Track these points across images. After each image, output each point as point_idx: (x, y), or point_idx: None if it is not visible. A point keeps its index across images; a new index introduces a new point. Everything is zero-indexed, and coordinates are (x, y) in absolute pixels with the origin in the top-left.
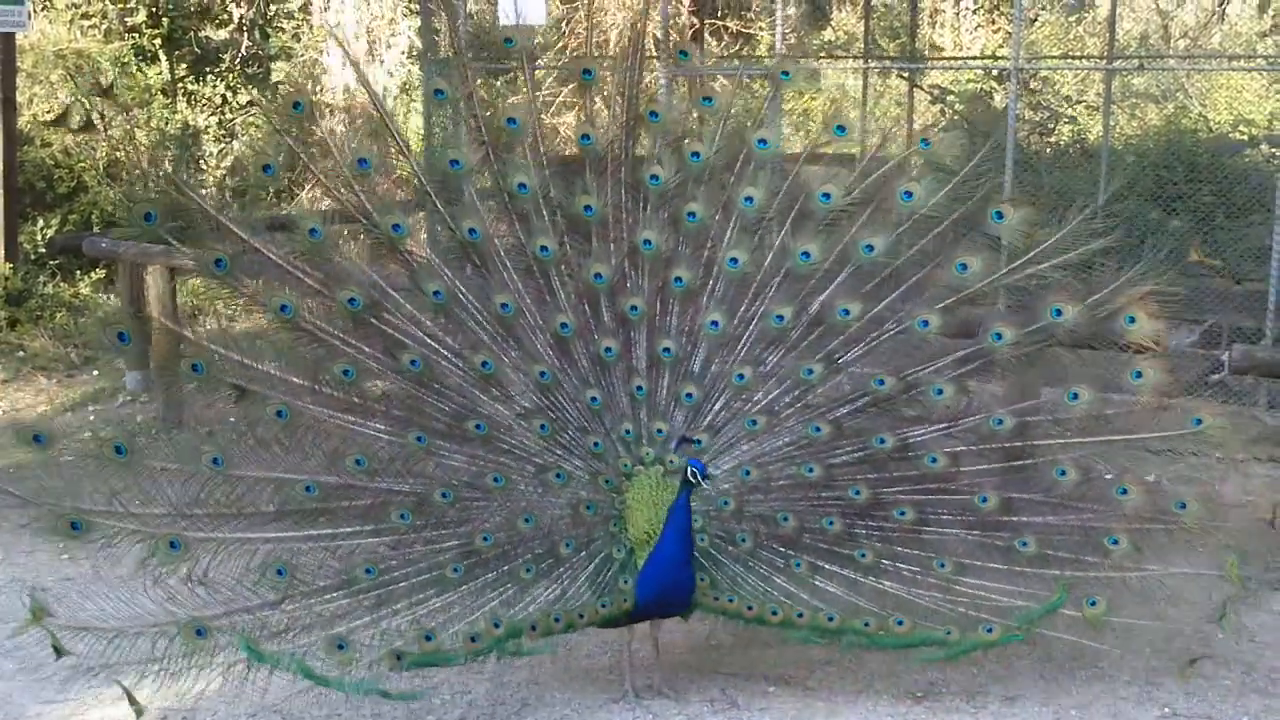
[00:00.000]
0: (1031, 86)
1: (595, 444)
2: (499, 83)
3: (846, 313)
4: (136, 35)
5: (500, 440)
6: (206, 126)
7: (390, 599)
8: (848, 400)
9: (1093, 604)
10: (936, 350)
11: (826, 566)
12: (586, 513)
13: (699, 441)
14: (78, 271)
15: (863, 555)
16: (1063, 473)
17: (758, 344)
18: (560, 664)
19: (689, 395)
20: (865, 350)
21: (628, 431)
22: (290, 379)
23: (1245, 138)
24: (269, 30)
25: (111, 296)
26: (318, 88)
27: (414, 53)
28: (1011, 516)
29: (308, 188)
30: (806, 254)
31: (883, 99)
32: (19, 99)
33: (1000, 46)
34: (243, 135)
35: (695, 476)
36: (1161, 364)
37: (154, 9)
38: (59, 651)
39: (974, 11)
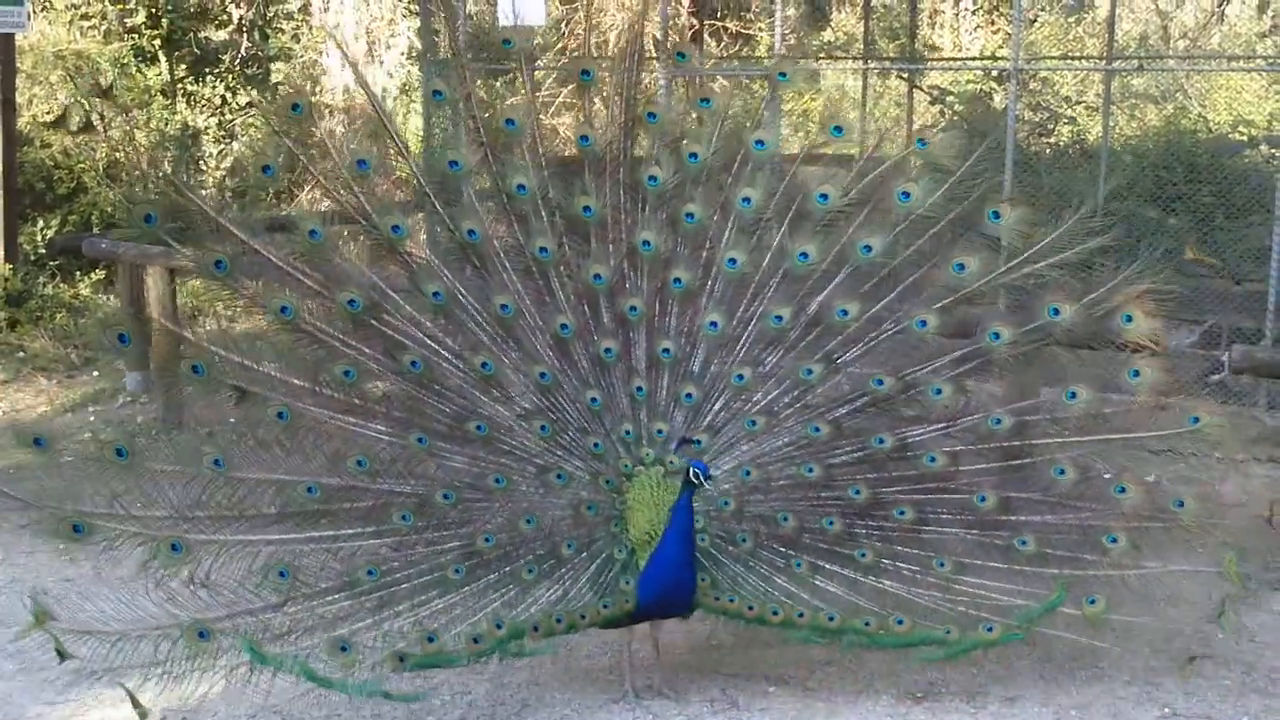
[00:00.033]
0: (1031, 87)
1: (596, 445)
2: (498, 83)
3: (845, 313)
4: (136, 36)
5: (501, 441)
6: (206, 127)
7: (392, 600)
8: (847, 400)
9: (1092, 602)
10: (935, 350)
11: (827, 566)
12: (588, 513)
13: (699, 442)
14: (77, 272)
15: (863, 555)
16: (1061, 471)
17: (757, 344)
18: (560, 664)
19: (688, 396)
20: (864, 350)
21: (628, 432)
22: (291, 380)
23: (1245, 138)
24: (268, 31)
25: (111, 297)
26: (317, 88)
27: (413, 54)
28: (1010, 515)
29: (307, 189)
30: (804, 254)
31: (882, 100)
32: (18, 100)
33: (1000, 47)
34: (242, 136)
35: (698, 477)
36: (1159, 363)
37: (153, 10)
38: (62, 655)
39: (973, 12)
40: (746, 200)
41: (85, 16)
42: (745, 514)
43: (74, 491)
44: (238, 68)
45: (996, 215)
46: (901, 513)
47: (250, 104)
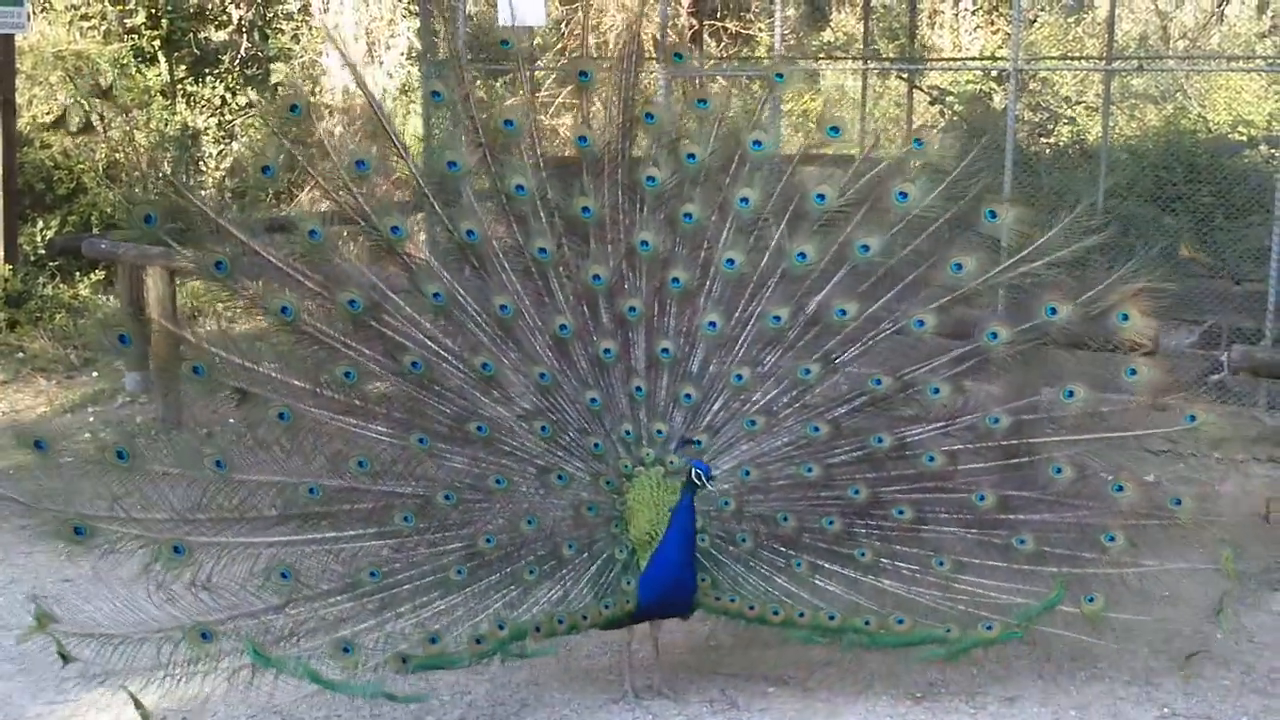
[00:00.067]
0: (1030, 88)
1: (596, 445)
2: (498, 84)
3: (843, 313)
4: (135, 37)
5: (502, 442)
6: (206, 128)
7: (394, 602)
8: (845, 400)
9: (1091, 600)
10: (932, 349)
11: (827, 566)
12: (588, 514)
13: (699, 442)
14: (77, 273)
15: (862, 554)
16: (1059, 470)
17: (755, 344)
18: (560, 664)
19: (688, 396)
20: (862, 350)
21: (627, 432)
22: (291, 382)
23: (1244, 138)
24: (268, 31)
25: (111, 298)
26: (317, 89)
27: (413, 54)
28: (1009, 514)
29: (307, 189)
30: (803, 255)
31: (882, 100)
32: (18, 100)
33: (999, 47)
34: (242, 136)
35: (700, 478)
36: (1156, 361)
37: (153, 10)
38: (65, 658)
39: (973, 12)
40: (744, 200)
41: (85, 17)
42: (745, 514)
43: (75, 493)
44: (237, 68)
45: (993, 215)
46: (901, 512)
47: (250, 104)
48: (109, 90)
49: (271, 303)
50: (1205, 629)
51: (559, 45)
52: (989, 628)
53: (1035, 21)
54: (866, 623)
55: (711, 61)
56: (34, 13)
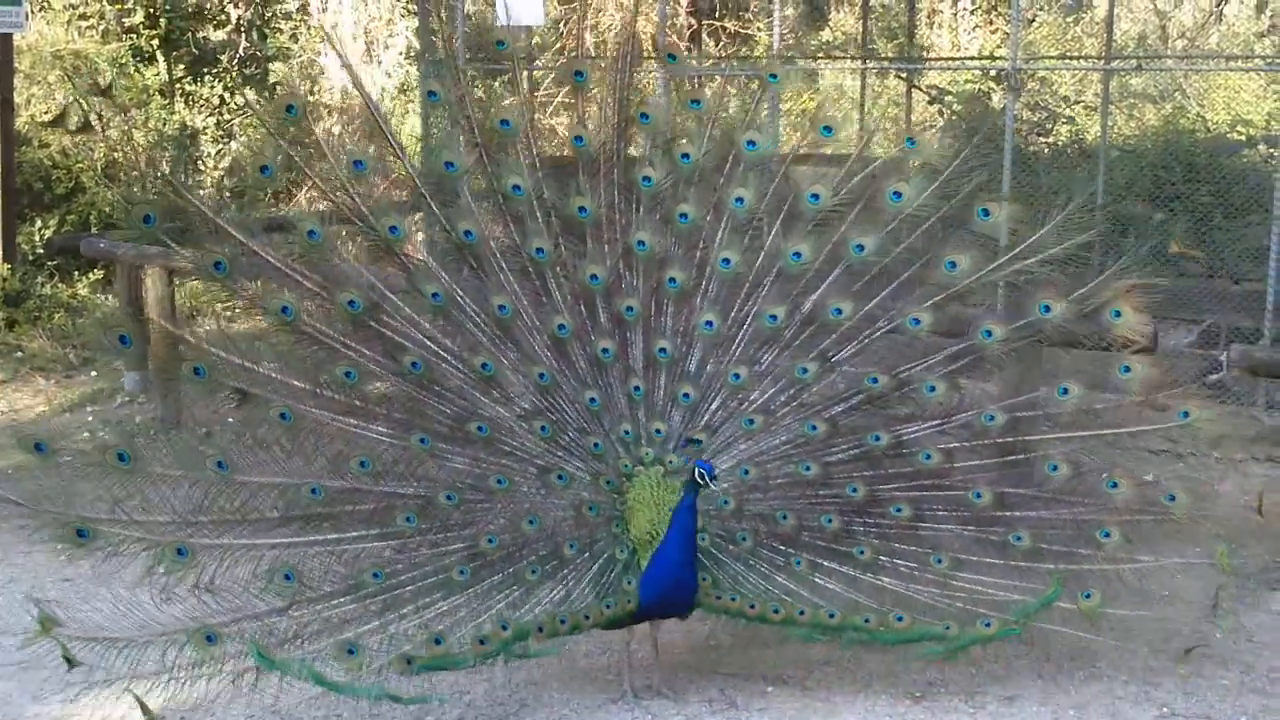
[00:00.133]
0: (1029, 87)
1: (595, 445)
2: (497, 84)
3: (839, 311)
4: (134, 36)
5: (502, 442)
6: (204, 127)
7: (397, 603)
8: (842, 398)
9: (1088, 597)
10: (928, 348)
11: (826, 564)
12: (589, 514)
13: (699, 441)
14: (76, 272)
15: (861, 552)
16: (1054, 467)
17: (752, 343)
18: (559, 664)
19: (686, 395)
20: (858, 348)
21: (626, 432)
22: (292, 382)
23: (1243, 138)
24: (266, 31)
25: (109, 297)
26: (315, 88)
27: (411, 53)
28: (1005, 511)
29: (305, 189)
30: (798, 254)
31: (880, 100)
32: (17, 100)
33: (998, 47)
34: (240, 136)
35: (703, 477)
36: (1149, 358)
37: (151, 10)
38: (71, 662)
39: (971, 12)
40: (739, 200)
41: (83, 16)
42: (744, 513)
43: (76, 496)
44: (236, 67)
45: (986, 213)
46: (898, 510)
47: (247, 104)
48: (107, 89)
49: (272, 303)
50: (1204, 628)
51: (557, 45)
52: (987, 625)
53: (1034, 21)
54: (866, 620)
55: (710, 61)
56: (32, 12)
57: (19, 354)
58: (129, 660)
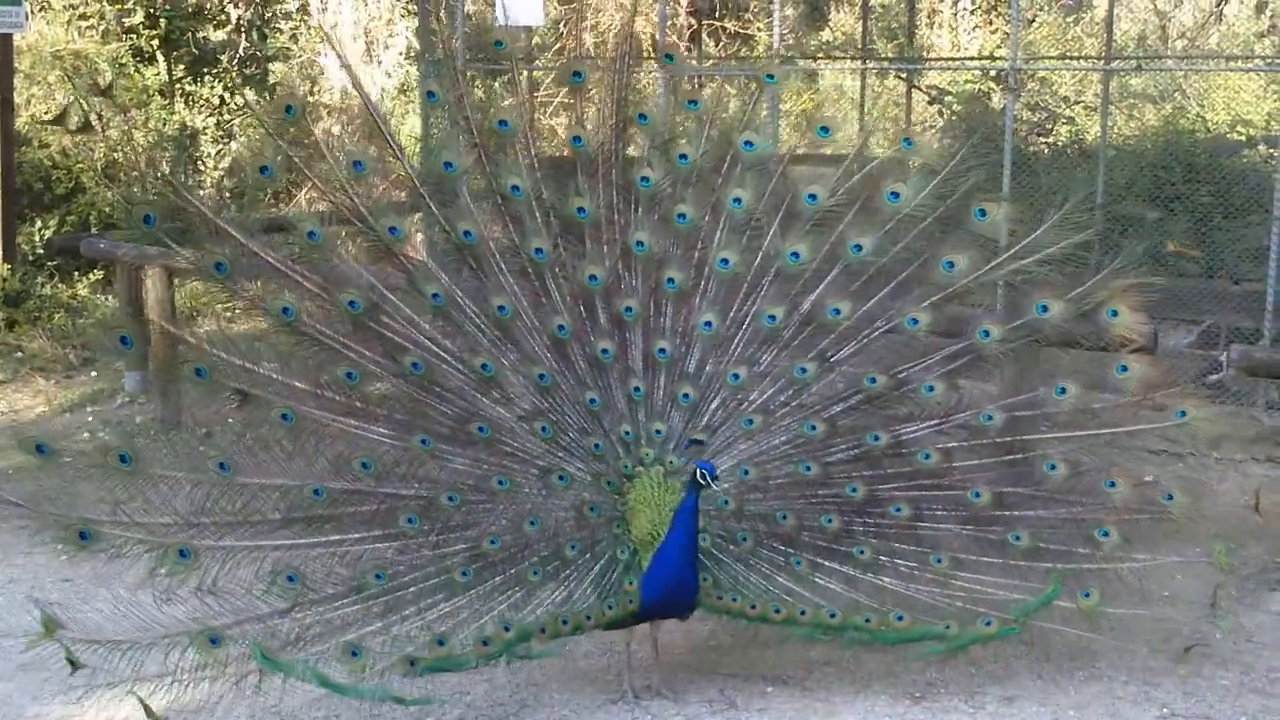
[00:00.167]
0: (1028, 87)
1: (596, 446)
2: (496, 84)
3: (837, 311)
4: (134, 36)
5: (503, 443)
6: (204, 127)
7: (400, 604)
8: (841, 398)
9: (1087, 596)
10: (926, 347)
11: (826, 564)
12: (590, 514)
13: (702, 441)
14: (76, 272)
15: (861, 552)
16: (1053, 467)
17: (751, 344)
18: (559, 664)
19: (685, 396)
20: (857, 348)
21: (627, 433)
22: (293, 383)
23: (1243, 138)
24: (266, 31)
25: (110, 298)
26: (315, 89)
27: (411, 54)
28: (1004, 511)
29: (305, 189)
30: (796, 254)
31: (880, 100)
32: (17, 100)
33: (998, 47)
34: (240, 136)
35: (705, 478)
36: (1147, 358)
37: (151, 10)
38: (74, 664)
39: (971, 12)
40: (737, 201)
41: (83, 16)
42: (745, 513)
43: (78, 497)
44: (236, 68)
45: (983, 213)
46: (898, 509)
47: (246, 105)
48: (107, 89)
49: (272, 304)
50: (1204, 628)
51: (557, 45)
52: (987, 624)
53: (1034, 21)
54: (867, 620)
55: (709, 61)
56: (32, 12)
57: (19, 354)
58: (132, 662)
